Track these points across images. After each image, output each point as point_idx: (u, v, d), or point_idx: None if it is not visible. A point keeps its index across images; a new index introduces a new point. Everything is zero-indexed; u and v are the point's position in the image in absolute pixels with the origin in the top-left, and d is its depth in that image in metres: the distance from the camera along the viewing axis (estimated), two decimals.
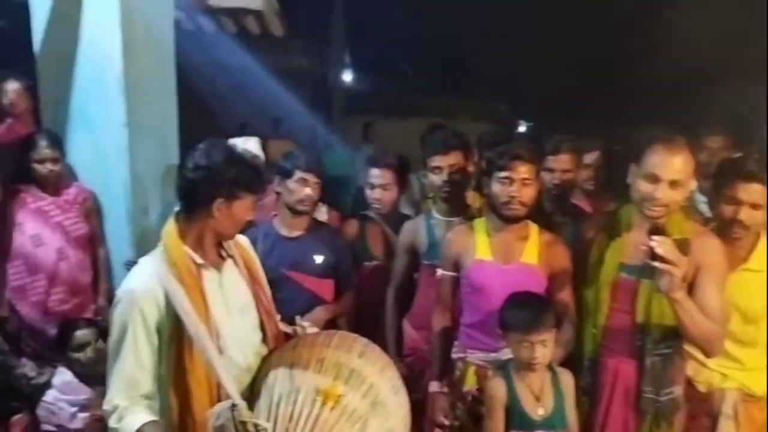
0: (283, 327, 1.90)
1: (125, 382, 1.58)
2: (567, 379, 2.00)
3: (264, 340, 1.81)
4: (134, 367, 1.57)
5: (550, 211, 2.64)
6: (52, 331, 2.73)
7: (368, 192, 2.75)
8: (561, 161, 2.64)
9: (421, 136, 3.76)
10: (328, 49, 9.13)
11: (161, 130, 3.34)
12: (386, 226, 2.78)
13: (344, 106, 9.55)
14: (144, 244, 3.13)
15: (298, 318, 2.18)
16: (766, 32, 5.43)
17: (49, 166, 2.83)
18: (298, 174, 2.42)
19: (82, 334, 2.46)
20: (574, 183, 2.74)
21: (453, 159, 2.40)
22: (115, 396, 1.58)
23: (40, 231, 2.83)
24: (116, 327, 1.59)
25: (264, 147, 3.34)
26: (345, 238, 2.74)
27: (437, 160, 2.42)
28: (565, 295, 2.10)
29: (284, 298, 2.13)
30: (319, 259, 2.51)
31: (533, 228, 2.17)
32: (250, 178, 1.67)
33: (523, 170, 2.04)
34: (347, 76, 10.07)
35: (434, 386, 2.21)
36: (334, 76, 9.40)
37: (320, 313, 2.43)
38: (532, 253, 2.11)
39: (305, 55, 8.37)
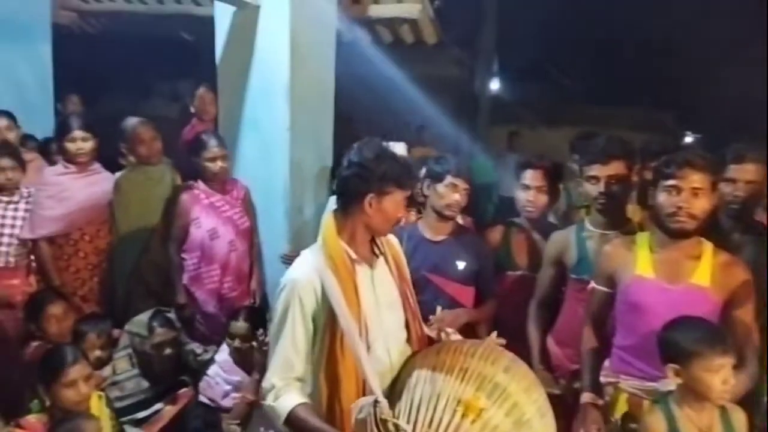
0: (428, 330, 1.91)
1: (282, 363, 1.68)
2: (740, 417, 1.77)
3: (408, 340, 1.84)
4: (290, 350, 1.67)
5: (729, 229, 2.35)
6: (224, 317, 2.97)
7: (520, 195, 2.66)
8: (745, 171, 2.33)
9: (570, 144, 3.59)
10: (476, 58, 9.09)
11: (318, 135, 3.57)
12: (534, 233, 2.67)
13: (490, 114, 9.43)
14: (299, 240, 3.36)
15: (438, 308, 2.19)
16: None
17: (219, 163, 3.04)
18: (449, 179, 2.42)
19: (239, 325, 2.67)
20: (759, 196, 2.40)
21: (613, 169, 2.23)
22: (273, 375, 1.68)
23: (215, 225, 3.05)
24: (279, 312, 1.71)
25: (408, 154, 3.42)
26: (488, 246, 2.68)
27: (595, 170, 2.27)
28: (746, 323, 1.86)
29: (424, 301, 2.13)
30: (461, 264, 2.49)
31: (707, 246, 1.95)
32: (399, 173, 1.72)
33: (694, 179, 1.84)
34: (494, 84, 9.93)
35: (587, 397, 2.06)
36: (481, 84, 9.34)
37: (459, 313, 2.41)
38: (704, 274, 1.90)
39: (453, 63, 8.41)
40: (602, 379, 2.08)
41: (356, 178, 1.69)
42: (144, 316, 2.69)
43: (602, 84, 9.63)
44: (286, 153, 3.30)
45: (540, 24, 8.39)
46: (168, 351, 2.60)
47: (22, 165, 3.00)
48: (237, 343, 2.65)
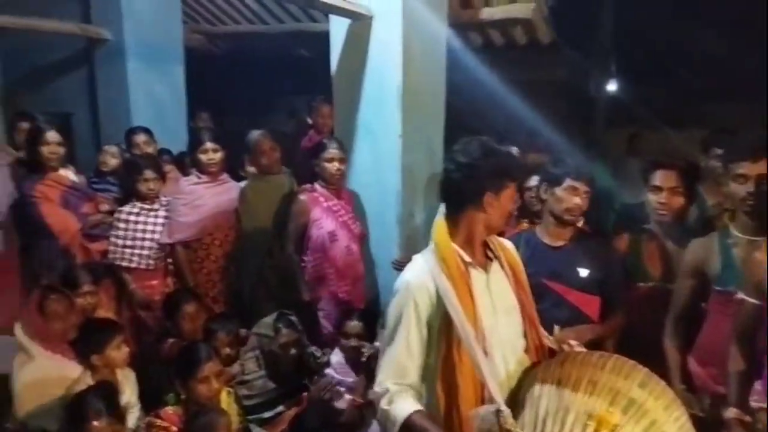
0: (548, 342, 1.81)
1: (395, 367, 1.66)
2: None
3: (526, 350, 1.76)
4: (404, 355, 1.65)
5: None
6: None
7: (651, 198, 2.46)
8: None
9: (705, 141, 3.31)
10: (592, 57, 8.65)
11: (429, 141, 3.57)
12: (669, 240, 2.46)
13: (607, 116, 8.92)
14: (410, 245, 3.37)
15: (556, 328, 2.07)
16: None
17: (337, 165, 3.14)
18: (568, 182, 2.30)
19: (353, 324, 2.71)
20: None
21: (764, 167, 2.00)
22: (386, 379, 1.66)
23: (334, 228, 3.16)
24: (392, 315, 1.70)
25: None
26: (616, 254, 2.50)
27: (744, 167, 2.04)
28: None
29: (544, 310, 2.02)
30: (583, 272, 2.34)
31: None
32: (510, 166, 1.70)
33: None
34: (611, 85, 9.38)
35: (732, 413, 1.88)
36: (597, 85, 8.86)
37: (584, 331, 2.25)
38: None
39: (567, 64, 8.06)
40: (752, 404, 1.86)
41: (470, 180, 1.65)
42: (269, 319, 2.82)
43: (727, 81, 8.73)
44: (398, 159, 3.33)
45: (659, 19, 7.79)
46: (293, 351, 2.71)
47: (162, 176, 3.30)
48: (353, 342, 2.70)
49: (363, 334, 2.69)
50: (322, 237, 3.15)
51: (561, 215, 2.33)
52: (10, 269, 3.33)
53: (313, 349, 3.04)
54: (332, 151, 3.13)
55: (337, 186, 3.21)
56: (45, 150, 3.14)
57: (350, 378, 2.79)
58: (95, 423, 2.09)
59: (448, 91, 3.67)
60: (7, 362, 2.60)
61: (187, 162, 3.83)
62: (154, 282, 3.24)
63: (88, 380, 2.45)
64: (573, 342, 1.78)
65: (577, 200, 2.30)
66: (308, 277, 3.19)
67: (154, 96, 4.71)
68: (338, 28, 3.40)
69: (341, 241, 3.16)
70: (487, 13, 4.55)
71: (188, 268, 3.24)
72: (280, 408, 2.66)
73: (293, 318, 2.90)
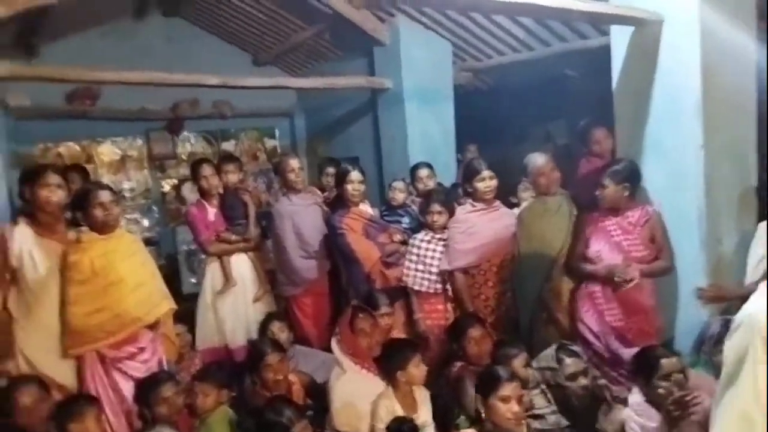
0: None
1: (739, 418, 1.40)
2: None
3: None
4: (750, 403, 1.38)
5: None
6: (625, 353, 2.82)
7: None
8: None
9: None
10: None
11: (737, 151, 3.07)
12: None
13: None
14: (717, 273, 2.92)
15: None
16: None
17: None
18: None
19: (667, 362, 2.40)
20: None
21: None
22: None
23: (600, 248, 3.00)
24: (732, 353, 1.46)
25: None
26: None
27: None
28: None
29: None
30: None
31: None
32: None
33: None
34: None
35: None
36: None
37: None
38: None
39: None
40: None
41: None
42: (549, 350, 2.72)
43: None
44: (699, 175, 2.92)
45: None
46: (583, 381, 2.54)
47: (450, 210, 3.50)
48: (672, 381, 2.37)
49: (682, 371, 2.36)
50: (589, 255, 3.04)
51: None
52: (320, 295, 3.90)
53: (605, 381, 2.82)
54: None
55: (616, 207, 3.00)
56: (350, 188, 3.62)
57: (653, 423, 2.49)
58: None
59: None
60: (324, 374, 3.01)
61: (458, 194, 3.98)
62: (440, 306, 3.42)
63: (391, 396, 2.66)
64: None
65: None
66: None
67: (428, 134, 5.08)
68: (620, 39, 3.18)
69: (605, 262, 2.97)
70: None
71: (467, 295, 3.34)
72: None
73: (575, 348, 2.75)
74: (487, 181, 3.38)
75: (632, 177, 3.00)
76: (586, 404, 2.56)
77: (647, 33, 3.03)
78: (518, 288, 3.34)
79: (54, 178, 2.72)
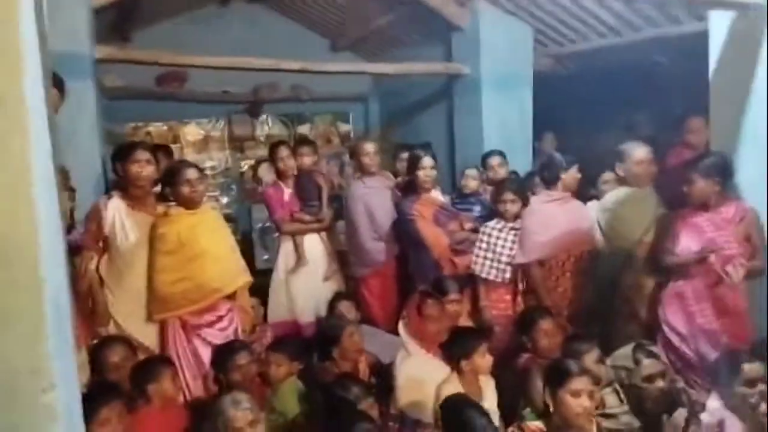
0: None
1: None
2: None
3: None
4: None
5: None
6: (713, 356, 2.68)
7: None
8: None
9: None
10: None
11: None
12: None
13: None
14: None
15: None
16: None
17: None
18: None
19: (749, 368, 2.26)
20: None
21: None
22: None
23: (689, 244, 2.86)
24: None
25: None
26: None
27: None
28: None
29: None
30: None
31: None
32: None
33: None
34: None
35: None
36: None
37: None
38: None
39: None
40: None
41: None
42: (626, 349, 2.62)
43: None
44: None
45: None
46: (660, 384, 2.43)
47: (523, 199, 3.44)
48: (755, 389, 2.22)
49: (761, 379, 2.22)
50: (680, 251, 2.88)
51: None
52: (388, 276, 3.94)
53: (681, 385, 2.69)
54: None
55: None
56: (421, 174, 3.61)
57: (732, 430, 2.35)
58: None
59: None
60: (389, 355, 3.05)
61: (535, 182, 3.88)
62: (507, 297, 3.38)
63: (456, 383, 2.65)
64: None
65: None
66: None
67: (504, 121, 4.95)
68: (720, 25, 2.98)
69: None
70: None
71: (543, 287, 3.27)
72: None
73: (654, 349, 2.63)
74: (572, 172, 3.31)
75: (723, 172, 2.83)
76: (662, 408, 2.45)
77: (750, 19, 2.82)
78: (597, 279, 3.25)
79: (144, 155, 2.89)
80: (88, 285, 2.75)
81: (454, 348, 2.68)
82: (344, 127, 6.98)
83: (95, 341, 2.73)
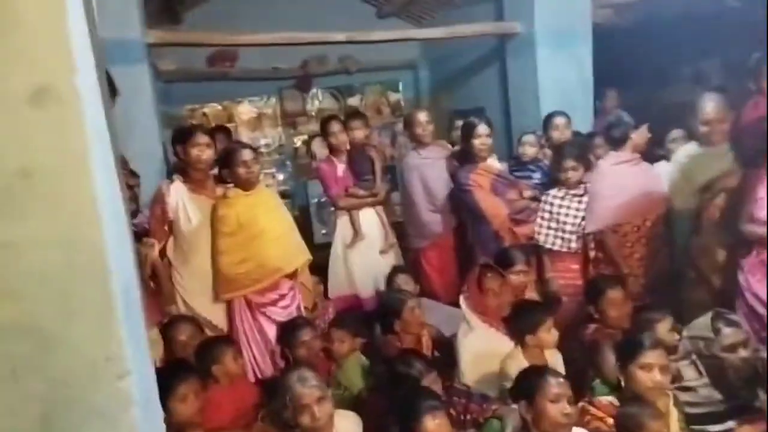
0: None
1: None
2: None
3: None
4: None
5: None
6: None
7: None
8: None
9: None
10: None
11: None
12: None
13: None
14: None
15: None
16: None
17: None
18: None
19: None
20: None
21: None
22: None
23: None
24: None
25: None
26: None
27: None
28: None
29: None
30: None
31: None
32: None
33: None
34: None
35: None
36: None
37: None
38: None
39: None
40: None
41: None
42: (704, 319, 2.48)
43: None
44: None
45: None
46: (742, 353, 2.30)
47: (586, 165, 3.28)
48: None
49: None
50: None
51: None
52: (447, 248, 3.89)
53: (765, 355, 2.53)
54: None
55: None
56: (477, 142, 3.51)
57: None
58: None
59: None
60: (450, 328, 3.02)
61: (595, 143, 3.68)
62: (574, 266, 3.26)
63: (520, 357, 2.60)
64: None
65: None
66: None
67: (562, 81, 4.70)
68: None
69: None
70: None
71: (619, 255, 3.13)
72: (730, 424, 2.28)
73: (734, 317, 2.48)
74: (642, 132, 3.17)
75: None
76: (745, 378, 2.32)
77: None
78: (670, 244, 3.12)
79: (203, 138, 2.93)
80: (151, 269, 2.83)
81: (519, 323, 2.62)
82: (394, 97, 6.88)
83: (164, 321, 2.83)
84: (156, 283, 2.86)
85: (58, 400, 1.20)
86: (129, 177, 3.01)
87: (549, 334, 2.56)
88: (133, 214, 2.93)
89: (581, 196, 3.22)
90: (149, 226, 2.92)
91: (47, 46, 1.14)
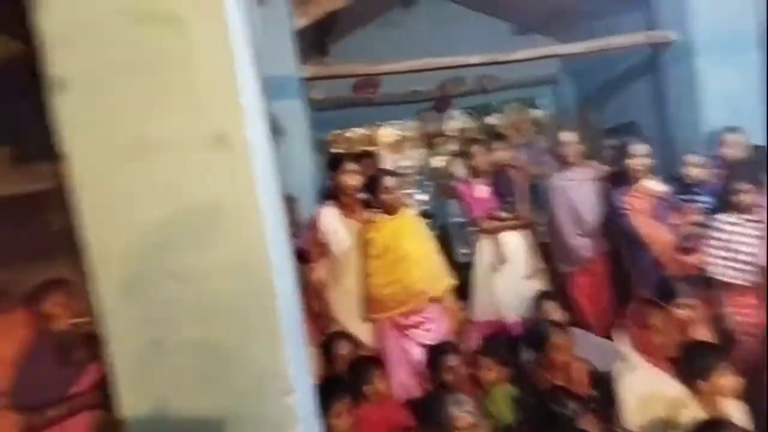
0: None
1: None
2: None
3: None
4: None
5: None
6: None
7: None
8: None
9: None
10: None
11: None
12: None
13: None
14: None
15: None
16: None
17: None
18: None
19: None
20: None
21: None
22: None
23: None
24: None
25: None
26: None
27: None
28: None
29: None
30: None
31: None
32: None
33: None
34: None
35: None
36: None
37: None
38: None
39: None
40: None
41: None
42: None
43: None
44: None
45: None
46: None
47: (758, 185, 2.94)
48: None
49: None
50: None
51: None
52: (598, 275, 3.66)
53: None
54: None
55: None
56: (633, 162, 3.27)
57: None
58: None
59: None
60: (604, 362, 2.82)
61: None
62: (753, 301, 2.89)
63: (694, 405, 2.34)
64: None
65: None
66: None
67: (726, 91, 4.25)
68: None
69: None
70: None
71: None
72: None
73: None
74: None
75: None
76: None
77: None
78: None
79: (352, 166, 3.09)
80: (315, 292, 3.02)
81: (690, 366, 2.36)
82: (534, 113, 6.70)
83: (324, 336, 2.98)
84: (319, 305, 3.03)
85: (230, 410, 1.35)
86: (287, 201, 3.25)
87: (726, 379, 2.28)
88: (293, 235, 3.14)
89: (756, 222, 2.87)
90: (308, 249, 3.12)
91: (221, 99, 1.30)
